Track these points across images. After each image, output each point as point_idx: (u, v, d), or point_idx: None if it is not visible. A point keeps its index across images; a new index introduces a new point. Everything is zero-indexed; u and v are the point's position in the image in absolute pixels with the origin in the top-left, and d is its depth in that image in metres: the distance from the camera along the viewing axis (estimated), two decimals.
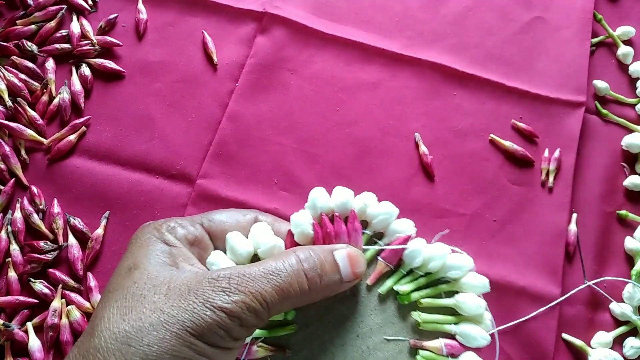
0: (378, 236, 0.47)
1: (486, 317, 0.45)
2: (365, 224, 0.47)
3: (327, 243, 0.43)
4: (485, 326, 0.44)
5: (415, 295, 0.45)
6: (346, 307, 0.44)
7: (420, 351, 0.44)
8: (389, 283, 0.45)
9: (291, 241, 0.44)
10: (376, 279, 0.45)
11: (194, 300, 0.33)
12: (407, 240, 0.45)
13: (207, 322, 0.32)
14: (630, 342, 0.54)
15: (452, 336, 0.45)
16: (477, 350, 0.45)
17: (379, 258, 0.45)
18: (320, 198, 0.45)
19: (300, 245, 0.43)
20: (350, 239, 0.44)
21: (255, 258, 0.44)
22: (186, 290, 0.34)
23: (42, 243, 0.57)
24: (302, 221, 0.43)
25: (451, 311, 0.46)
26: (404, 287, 0.44)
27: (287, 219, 0.45)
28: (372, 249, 0.45)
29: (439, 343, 0.44)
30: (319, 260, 0.38)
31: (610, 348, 0.54)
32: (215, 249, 0.43)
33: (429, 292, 0.45)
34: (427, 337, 0.45)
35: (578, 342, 0.55)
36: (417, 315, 0.44)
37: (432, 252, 0.45)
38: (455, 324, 0.45)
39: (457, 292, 0.45)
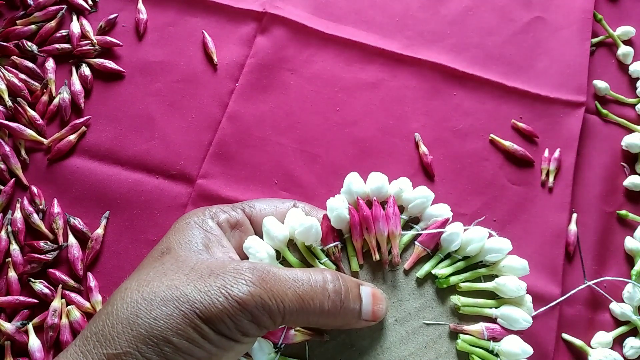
0: (414, 221, 0.48)
1: (527, 300, 0.45)
2: (401, 209, 0.47)
3: (364, 227, 0.44)
4: (527, 309, 0.45)
5: (454, 279, 0.45)
6: (384, 293, 0.44)
7: (461, 335, 0.44)
8: (427, 267, 0.46)
9: (327, 225, 0.45)
10: (413, 263, 0.45)
11: (211, 284, 0.33)
12: (444, 223, 0.46)
13: (218, 308, 0.32)
14: (631, 342, 0.54)
15: (492, 320, 0.45)
16: (518, 333, 0.45)
17: (416, 243, 0.46)
18: (356, 182, 0.46)
19: (336, 228, 0.45)
20: (389, 224, 0.44)
21: (291, 243, 0.45)
22: (207, 273, 0.34)
23: (42, 243, 0.57)
24: (338, 205, 0.44)
25: (491, 295, 0.46)
26: (442, 270, 0.45)
27: None
28: (410, 233, 0.46)
29: (480, 327, 0.44)
30: (344, 287, 0.38)
31: (610, 348, 0.54)
32: (255, 234, 0.44)
33: (467, 276, 0.46)
34: (467, 321, 0.45)
35: (578, 342, 0.55)
36: (456, 299, 0.45)
37: (470, 236, 0.45)
38: (495, 307, 0.45)
39: (496, 276, 0.46)
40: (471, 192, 0.60)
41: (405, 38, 0.67)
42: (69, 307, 0.55)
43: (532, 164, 0.61)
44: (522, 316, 0.44)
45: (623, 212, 0.60)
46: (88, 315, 0.56)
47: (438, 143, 0.62)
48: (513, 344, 0.43)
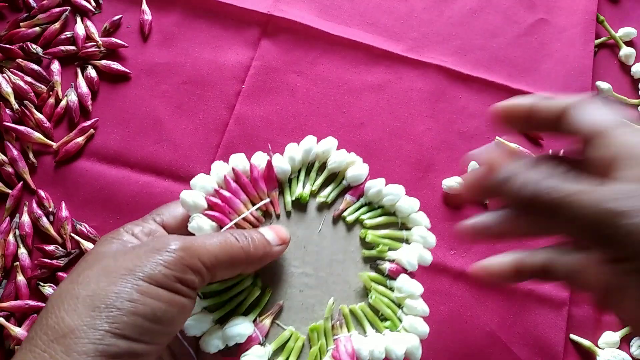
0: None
1: (423, 220, 0.50)
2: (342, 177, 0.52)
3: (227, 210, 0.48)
4: (425, 241, 0.50)
5: (362, 217, 0.51)
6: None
7: (368, 273, 0.49)
8: (350, 211, 0.51)
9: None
10: (342, 211, 0.51)
11: (141, 252, 0.36)
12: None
13: (152, 262, 0.35)
14: (638, 342, 0.55)
15: (392, 261, 0.50)
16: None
17: (347, 195, 0.51)
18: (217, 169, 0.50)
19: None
20: (248, 192, 0.49)
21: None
22: (132, 249, 0.37)
23: (52, 247, 0.57)
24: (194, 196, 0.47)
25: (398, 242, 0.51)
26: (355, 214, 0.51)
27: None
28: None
29: (385, 264, 0.49)
30: (247, 233, 0.42)
31: (618, 348, 0.55)
32: None
33: (372, 214, 0.51)
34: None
35: (586, 342, 0.55)
36: (364, 232, 0.50)
37: (388, 190, 0.51)
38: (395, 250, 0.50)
39: (406, 227, 0.51)
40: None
41: (410, 40, 0.68)
42: None
43: None
44: (411, 260, 0.48)
45: None
46: None
47: (444, 145, 0.63)
48: (407, 282, 0.48)
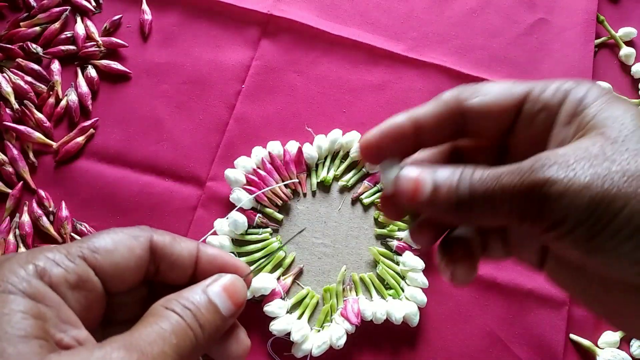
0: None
1: None
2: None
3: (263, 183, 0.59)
4: None
5: (377, 200, 0.61)
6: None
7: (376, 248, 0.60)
8: (368, 194, 0.62)
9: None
10: (361, 194, 0.61)
11: None
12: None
13: None
14: (638, 342, 0.55)
15: (400, 239, 0.60)
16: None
17: (365, 181, 0.62)
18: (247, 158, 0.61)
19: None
20: (273, 176, 0.60)
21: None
22: None
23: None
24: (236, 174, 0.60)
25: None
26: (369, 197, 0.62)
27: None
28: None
29: (394, 242, 0.59)
30: (195, 309, 0.29)
31: (618, 347, 0.55)
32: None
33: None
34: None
35: (586, 342, 0.55)
36: (378, 214, 0.61)
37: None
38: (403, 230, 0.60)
39: None
40: None
41: (410, 40, 0.68)
42: None
43: None
44: None
45: None
46: None
47: None
48: (410, 257, 0.57)
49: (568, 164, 0.25)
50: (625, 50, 0.68)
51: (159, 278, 0.32)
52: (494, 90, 0.31)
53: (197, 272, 0.33)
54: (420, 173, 0.29)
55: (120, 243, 0.31)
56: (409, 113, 0.32)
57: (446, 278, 0.32)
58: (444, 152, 0.35)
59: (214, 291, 0.31)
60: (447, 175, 0.29)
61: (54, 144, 0.61)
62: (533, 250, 0.31)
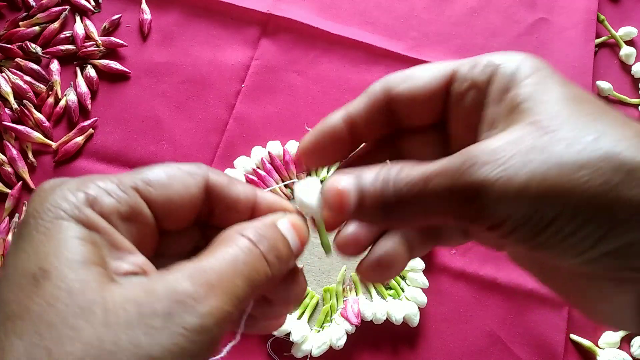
0: None
1: None
2: None
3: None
4: None
5: None
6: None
7: None
8: None
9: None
10: None
11: (154, 325, 0.22)
12: None
13: (173, 351, 0.22)
14: (638, 342, 0.55)
15: None
16: None
17: None
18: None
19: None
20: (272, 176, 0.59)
21: None
22: (135, 313, 0.22)
23: None
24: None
25: None
26: None
27: None
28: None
29: None
30: (271, 239, 0.28)
31: (618, 348, 0.55)
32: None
33: None
34: None
35: (587, 342, 0.55)
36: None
37: None
38: None
39: None
40: None
41: (410, 39, 0.67)
42: None
43: None
44: None
45: None
46: None
47: None
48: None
49: (501, 162, 0.23)
50: (625, 50, 0.68)
51: (213, 221, 0.30)
52: (420, 74, 0.29)
53: (254, 218, 0.30)
54: (342, 182, 0.27)
55: (175, 178, 0.29)
56: (342, 110, 0.31)
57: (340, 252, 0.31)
58: (382, 146, 0.33)
59: (285, 225, 0.29)
60: (371, 179, 0.27)
61: (53, 144, 0.61)
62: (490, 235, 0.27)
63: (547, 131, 0.24)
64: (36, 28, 0.66)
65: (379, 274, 0.31)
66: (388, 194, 0.26)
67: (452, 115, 0.30)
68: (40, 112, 0.62)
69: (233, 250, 0.26)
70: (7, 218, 0.58)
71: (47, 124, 0.62)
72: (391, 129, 0.31)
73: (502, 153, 0.23)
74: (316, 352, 0.54)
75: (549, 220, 0.23)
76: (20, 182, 0.59)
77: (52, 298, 0.22)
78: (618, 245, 0.23)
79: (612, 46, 0.69)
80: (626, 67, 0.68)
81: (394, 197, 0.26)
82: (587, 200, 0.22)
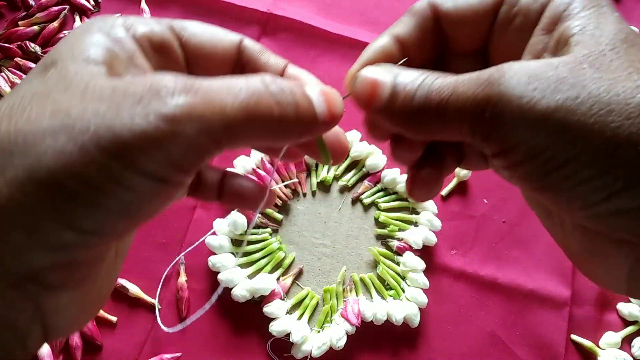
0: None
1: (431, 207, 0.60)
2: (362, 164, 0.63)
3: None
4: (431, 225, 0.59)
5: (378, 200, 0.61)
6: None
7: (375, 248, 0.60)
8: (367, 195, 0.62)
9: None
10: (361, 193, 0.61)
11: (121, 103, 0.22)
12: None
13: (135, 133, 0.21)
14: (639, 342, 0.55)
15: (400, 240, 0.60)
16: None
17: (365, 181, 0.62)
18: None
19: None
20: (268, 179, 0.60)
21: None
22: (109, 91, 0.23)
23: None
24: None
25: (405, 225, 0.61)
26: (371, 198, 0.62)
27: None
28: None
29: (394, 242, 0.59)
30: (289, 86, 0.25)
31: (619, 348, 0.55)
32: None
33: (387, 199, 0.61)
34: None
35: (587, 343, 0.55)
36: (378, 214, 0.60)
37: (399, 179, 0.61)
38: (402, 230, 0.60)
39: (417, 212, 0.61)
40: (479, 194, 0.60)
41: None
42: None
43: None
44: (417, 240, 0.58)
45: None
46: (96, 320, 0.56)
47: None
48: (411, 258, 0.57)
49: (530, 81, 0.22)
50: None
51: None
52: None
53: None
54: (379, 74, 0.26)
55: (210, 31, 0.30)
56: (388, 33, 0.30)
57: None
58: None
59: (312, 89, 0.26)
60: (410, 79, 0.26)
61: None
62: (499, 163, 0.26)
63: (591, 68, 0.22)
64: (35, 27, 0.66)
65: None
66: (419, 97, 0.25)
67: (495, 41, 0.29)
68: None
69: (242, 79, 0.24)
70: None
71: None
72: (437, 53, 0.31)
73: (535, 73, 0.22)
74: (316, 353, 0.53)
75: (563, 159, 0.22)
76: None
77: (47, 78, 0.24)
78: (632, 206, 0.22)
79: None
80: None
81: (423, 101, 0.25)
82: (610, 148, 0.21)
